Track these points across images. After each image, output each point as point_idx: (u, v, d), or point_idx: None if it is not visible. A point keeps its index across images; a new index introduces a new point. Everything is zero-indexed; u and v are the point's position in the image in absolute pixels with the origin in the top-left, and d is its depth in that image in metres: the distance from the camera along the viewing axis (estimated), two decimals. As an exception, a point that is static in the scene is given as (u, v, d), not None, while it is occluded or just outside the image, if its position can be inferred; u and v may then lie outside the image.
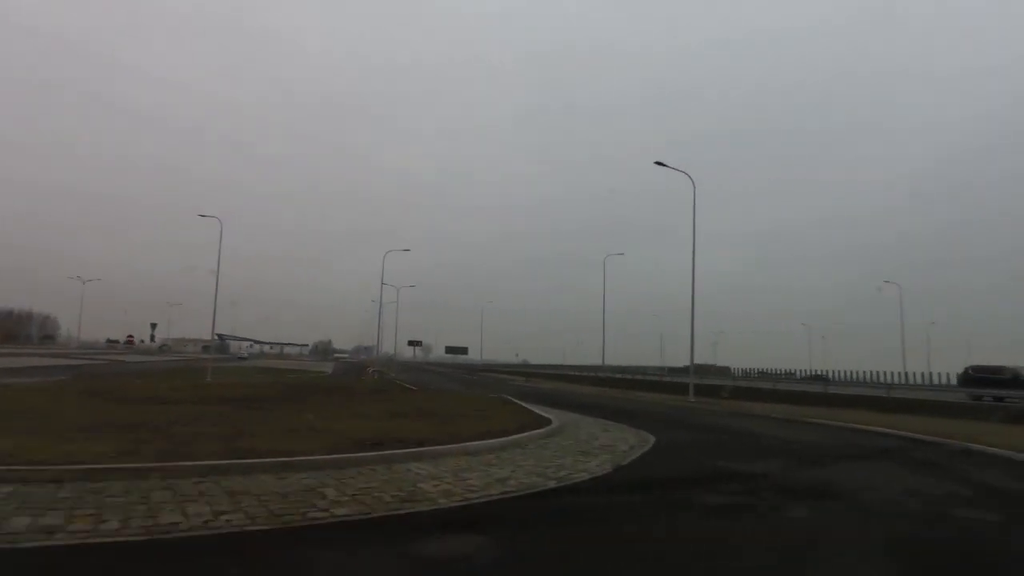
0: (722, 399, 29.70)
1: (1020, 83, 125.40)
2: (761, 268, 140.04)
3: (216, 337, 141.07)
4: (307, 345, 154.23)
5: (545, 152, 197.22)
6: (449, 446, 9.78)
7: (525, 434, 11.95)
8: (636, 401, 28.68)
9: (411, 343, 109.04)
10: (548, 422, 14.44)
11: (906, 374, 47.41)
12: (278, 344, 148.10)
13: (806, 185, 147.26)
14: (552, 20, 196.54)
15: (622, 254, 55.05)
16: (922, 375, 42.69)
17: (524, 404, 20.46)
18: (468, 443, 10.21)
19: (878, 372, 42.05)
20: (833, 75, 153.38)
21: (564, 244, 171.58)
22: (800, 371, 56.48)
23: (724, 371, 61.60)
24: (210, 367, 35.46)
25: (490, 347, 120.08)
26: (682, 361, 65.01)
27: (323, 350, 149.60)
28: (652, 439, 12.87)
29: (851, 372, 44.94)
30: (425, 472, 7.93)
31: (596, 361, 56.10)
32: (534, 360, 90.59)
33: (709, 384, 38.14)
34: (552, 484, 7.70)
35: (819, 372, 53.17)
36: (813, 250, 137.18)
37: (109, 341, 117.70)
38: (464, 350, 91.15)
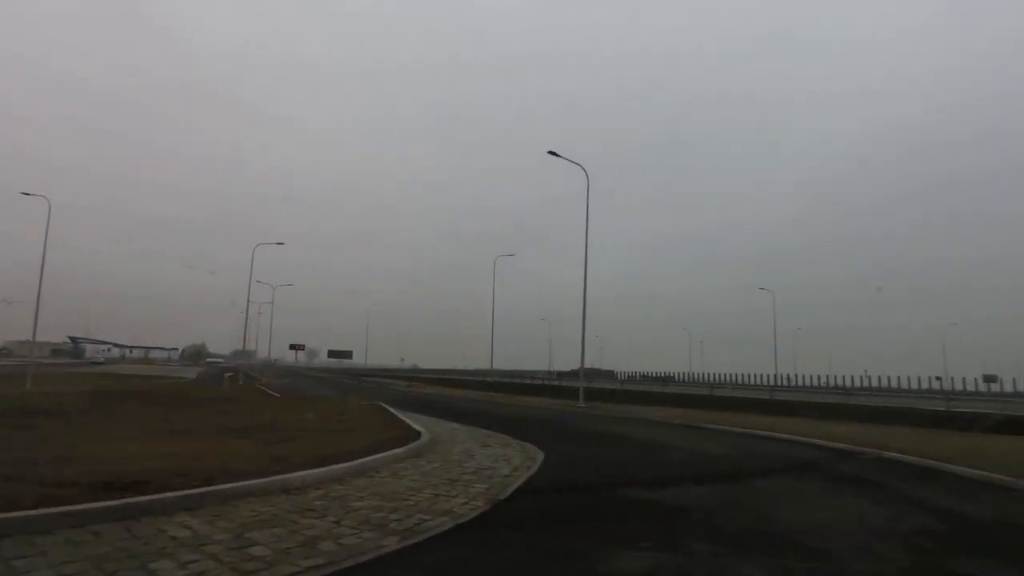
0: (612, 403, 28.11)
1: (897, 106, 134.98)
2: (645, 276, 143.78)
3: (68, 340, 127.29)
4: (176, 349, 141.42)
5: (445, 159, 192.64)
6: (258, 480, 6.79)
7: (381, 455, 9.14)
8: (523, 407, 26.44)
9: (293, 347, 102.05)
10: (417, 436, 11.71)
11: (777, 376, 48.61)
12: (144, 348, 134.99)
13: (692, 198, 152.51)
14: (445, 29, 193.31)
15: (512, 255, 52.88)
16: (800, 377, 43.51)
17: (397, 413, 17.61)
18: (291, 474, 7.27)
19: (752, 375, 42.45)
20: (723, 94, 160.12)
21: (456, 249, 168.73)
22: (678, 374, 56.89)
23: (609, 375, 61.29)
24: (31, 373, 29.68)
25: (379, 351, 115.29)
26: (570, 365, 64.27)
27: (194, 354, 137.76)
28: (540, 456, 10.46)
29: (731, 375, 45.22)
30: (188, 534, 4.95)
31: (486, 365, 53.89)
32: (424, 365, 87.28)
33: (597, 388, 36.78)
34: (391, 543, 4.98)
35: (666, 373, 53.56)
36: (693, 259, 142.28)
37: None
38: (348, 354, 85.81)
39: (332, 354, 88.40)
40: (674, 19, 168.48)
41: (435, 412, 20.48)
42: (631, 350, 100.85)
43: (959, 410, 21.77)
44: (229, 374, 28.00)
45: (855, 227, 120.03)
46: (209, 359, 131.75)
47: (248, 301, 39.89)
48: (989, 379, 45.71)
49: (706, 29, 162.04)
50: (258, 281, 59.08)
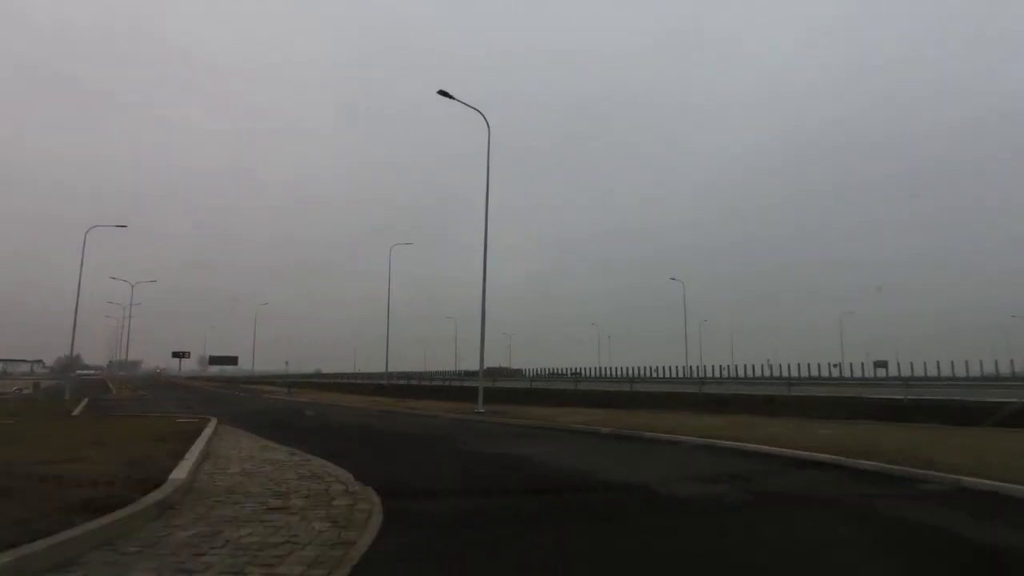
0: (520, 406, 22.91)
1: (800, 112, 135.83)
2: (552, 274, 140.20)
3: None
4: (40, 361, 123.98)
5: (358, 154, 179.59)
6: None
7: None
8: (410, 415, 20.75)
9: (176, 354, 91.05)
10: (153, 487, 5.92)
11: (694, 368, 44.97)
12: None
13: (601, 197, 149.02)
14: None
15: (410, 243, 47.30)
16: (729, 368, 40.02)
17: (214, 436, 11.76)
18: None
19: (667, 367, 38.36)
20: (640, 94, 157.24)
21: (356, 249, 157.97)
22: (587, 370, 52.39)
23: (517, 374, 56.42)
24: None
25: (280, 357, 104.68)
26: (477, 365, 58.97)
27: (65, 366, 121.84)
28: (373, 526, 5.00)
29: (645, 368, 41.30)
30: None
31: (393, 367, 47.64)
32: (328, 370, 79.29)
33: (503, 388, 31.63)
34: None
35: (576, 370, 49.28)
36: (602, 258, 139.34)
37: None
38: (233, 360, 76.20)
39: (214, 360, 78.25)
40: (581, 19, 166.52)
41: (283, 430, 14.56)
42: (540, 348, 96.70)
43: (924, 398, 18.15)
44: (19, 389, 20.40)
45: (752, 228, 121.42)
46: (80, 371, 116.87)
47: (78, 295, 31.79)
48: (879, 364, 44.47)
49: (616, 30, 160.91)
50: (112, 278, 50.84)
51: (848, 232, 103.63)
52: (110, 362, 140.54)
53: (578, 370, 51.25)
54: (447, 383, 40.67)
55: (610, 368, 46.43)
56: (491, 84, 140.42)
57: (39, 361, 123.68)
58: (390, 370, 47.39)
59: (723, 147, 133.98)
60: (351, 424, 16.62)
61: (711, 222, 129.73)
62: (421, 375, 51.88)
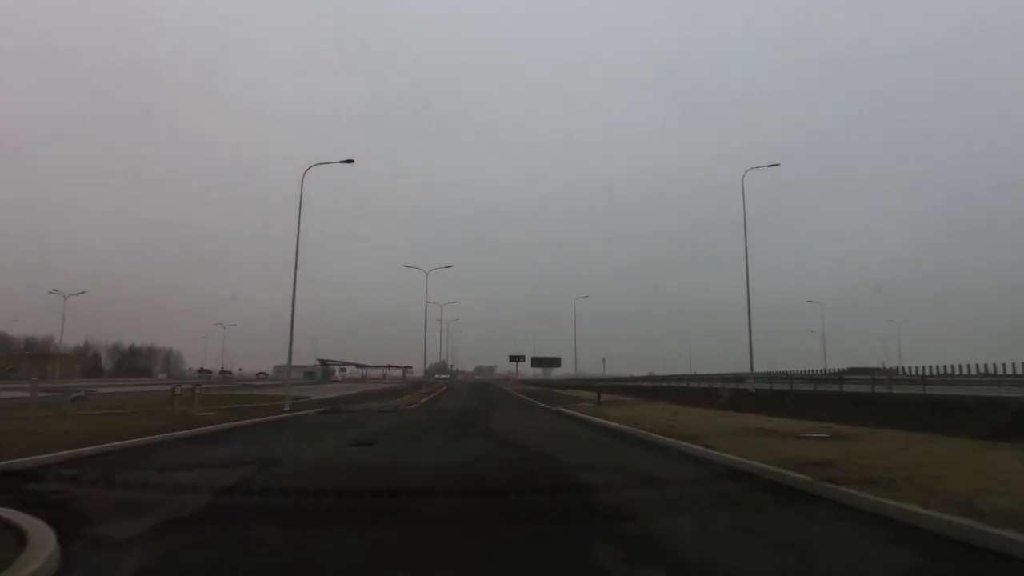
0: None
1: None
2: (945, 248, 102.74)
3: (318, 362, 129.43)
4: (409, 367, 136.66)
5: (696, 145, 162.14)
6: None
7: None
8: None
9: (512, 358, 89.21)
10: None
11: None
12: (383, 367, 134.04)
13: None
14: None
15: (778, 164, 30.40)
16: None
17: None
18: None
19: None
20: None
21: (700, 241, 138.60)
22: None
23: (892, 374, 34.20)
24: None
25: (609, 357, 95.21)
26: (849, 362, 38.50)
27: (429, 371, 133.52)
28: None
29: None
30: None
31: (744, 369, 31.23)
32: (660, 372, 66.63)
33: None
34: None
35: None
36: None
37: (201, 371, 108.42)
38: (555, 361, 67.97)
39: (536, 362, 71.02)
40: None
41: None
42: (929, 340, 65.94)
43: None
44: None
45: None
46: (439, 374, 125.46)
47: (296, 257, 23.03)
48: None
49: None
50: (406, 266, 46.04)
51: None
52: (476, 367, 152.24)
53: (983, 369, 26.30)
54: (890, 390, 22.41)
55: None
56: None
57: (408, 367, 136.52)
58: (750, 370, 30.52)
59: None
60: None
61: None
62: (796, 376, 33.93)
